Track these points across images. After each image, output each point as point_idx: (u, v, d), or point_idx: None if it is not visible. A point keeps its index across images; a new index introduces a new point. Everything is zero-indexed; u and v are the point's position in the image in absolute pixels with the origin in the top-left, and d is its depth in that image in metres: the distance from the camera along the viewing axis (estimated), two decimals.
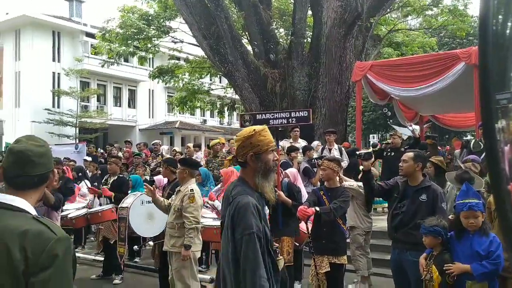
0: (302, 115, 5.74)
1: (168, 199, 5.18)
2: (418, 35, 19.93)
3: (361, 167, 6.40)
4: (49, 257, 1.50)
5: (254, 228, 2.23)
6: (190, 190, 4.75)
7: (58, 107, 26.41)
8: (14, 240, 1.50)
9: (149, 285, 6.55)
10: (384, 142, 9.29)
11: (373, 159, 4.37)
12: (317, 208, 4.47)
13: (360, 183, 5.88)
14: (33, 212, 1.64)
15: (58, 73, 27.12)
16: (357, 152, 4.41)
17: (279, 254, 2.48)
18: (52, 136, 23.41)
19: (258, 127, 2.48)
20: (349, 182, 5.94)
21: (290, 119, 5.74)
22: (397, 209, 4.02)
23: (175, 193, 4.99)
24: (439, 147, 12.43)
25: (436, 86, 9.06)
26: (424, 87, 9.24)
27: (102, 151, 14.14)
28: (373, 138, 33.86)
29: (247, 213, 2.25)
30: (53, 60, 27.34)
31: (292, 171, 6.98)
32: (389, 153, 8.59)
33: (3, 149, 14.52)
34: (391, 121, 23.67)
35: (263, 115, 5.99)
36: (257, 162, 2.40)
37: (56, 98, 26.78)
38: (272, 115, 5.82)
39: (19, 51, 26.88)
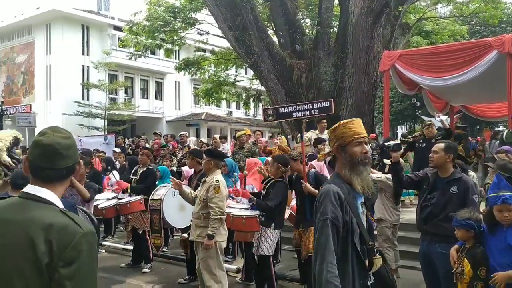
0: (325, 105, 5.64)
1: (195, 190, 5.24)
2: (448, 23, 19.37)
3: (385, 161, 6.36)
4: (74, 251, 1.49)
5: (329, 215, 2.28)
6: (216, 180, 4.79)
7: (88, 99, 26.98)
8: (39, 233, 1.49)
9: (177, 274, 6.67)
10: (411, 136, 9.03)
11: (402, 150, 4.28)
12: None
13: (388, 175, 5.80)
14: (60, 204, 1.63)
15: (87, 66, 27.67)
16: (386, 144, 4.34)
17: (377, 254, 2.48)
18: (82, 128, 23.97)
19: (345, 120, 2.53)
20: (377, 174, 5.86)
21: (312, 111, 5.66)
22: (426, 200, 3.95)
23: (201, 183, 5.03)
24: (469, 138, 12.12)
25: (467, 75, 8.79)
26: (454, 76, 8.98)
27: (130, 142, 14.37)
28: (401, 129, 33.29)
29: (325, 200, 2.33)
30: (83, 53, 27.89)
31: (318, 163, 6.95)
32: (420, 144, 8.36)
33: None
34: (419, 111, 23.20)
35: (286, 108, 5.91)
36: (342, 154, 2.46)
37: (85, 90, 27.36)
38: (294, 108, 5.76)
39: (50, 45, 27.51)
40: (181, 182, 5.19)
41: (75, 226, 1.53)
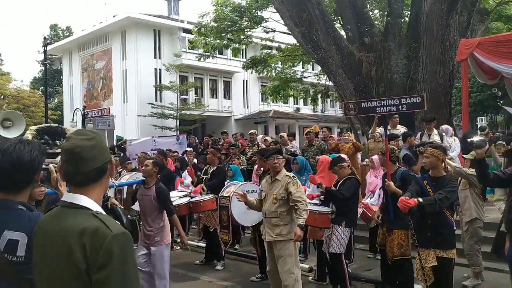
0: (415, 101, 5.31)
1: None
2: None
3: (465, 157, 5.95)
4: (106, 254, 1.46)
5: None
6: (292, 176, 4.83)
7: (161, 101, 28.09)
8: (74, 239, 1.50)
9: (249, 271, 6.73)
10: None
11: (487, 146, 3.94)
12: (420, 199, 4.19)
13: (468, 169, 5.46)
14: (95, 207, 1.62)
15: (159, 69, 28.80)
16: (468, 140, 4.03)
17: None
18: (156, 128, 25.01)
19: None
20: (455, 164, 5.55)
21: (400, 106, 5.35)
22: None
23: (267, 183, 4.99)
24: None
25: None
26: None
27: (197, 142, 14.72)
28: (481, 121, 31.27)
29: None
30: (155, 57, 29.07)
31: (376, 158, 6.69)
32: None
33: (115, 143, 15.77)
34: (501, 102, 21.68)
35: (369, 103, 5.65)
36: None
37: (158, 92, 28.51)
38: (379, 103, 5.47)
39: (125, 51, 29.00)
40: (245, 193, 5.20)
41: (105, 228, 1.51)
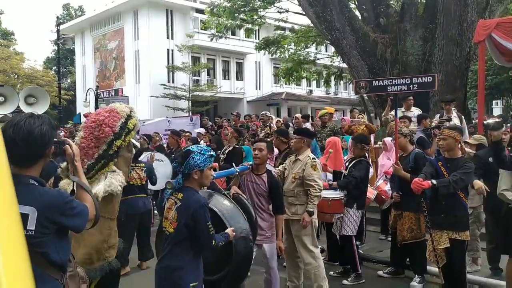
0: (426, 80, 5.26)
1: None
2: None
3: (469, 141, 5.88)
4: None
5: None
6: (312, 158, 4.74)
7: (173, 82, 28.10)
8: None
9: None
10: None
11: (503, 128, 3.90)
12: (434, 181, 4.17)
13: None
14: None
15: (172, 50, 28.73)
16: (484, 122, 3.98)
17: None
18: (168, 109, 25.09)
19: None
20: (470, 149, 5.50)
21: (411, 85, 5.32)
22: None
23: (291, 162, 4.96)
24: None
25: None
26: None
27: (211, 123, 14.73)
28: (497, 105, 30.75)
29: None
30: (167, 37, 28.97)
31: (388, 140, 6.64)
32: None
33: None
34: None
35: (380, 81, 5.63)
36: None
37: (170, 73, 28.50)
38: (390, 81, 5.45)
39: (137, 31, 28.93)
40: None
41: None
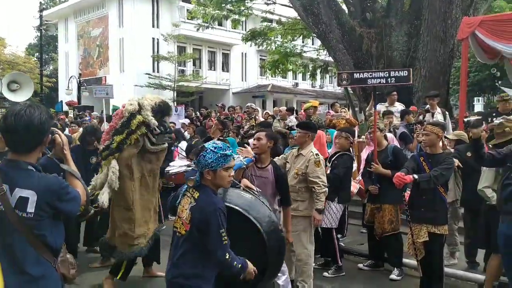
0: (402, 74, 5.54)
1: None
2: None
3: (449, 136, 6.00)
4: None
5: None
6: (316, 154, 4.62)
7: (158, 71, 27.80)
8: None
9: None
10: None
11: (483, 125, 3.98)
12: (415, 176, 4.25)
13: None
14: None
15: (157, 39, 28.37)
16: (465, 119, 4.06)
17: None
18: None
19: None
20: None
21: (389, 79, 5.58)
22: (509, 179, 3.69)
23: (293, 155, 4.85)
24: None
25: None
26: None
27: (198, 114, 14.69)
28: (478, 102, 31.22)
29: None
30: (153, 26, 28.59)
31: (388, 135, 6.72)
32: (494, 119, 7.70)
33: (111, 113, 15.68)
34: (499, 82, 21.62)
35: (361, 74, 5.90)
36: None
37: (155, 63, 28.17)
38: (370, 74, 5.72)
39: (122, 18, 28.49)
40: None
41: None
